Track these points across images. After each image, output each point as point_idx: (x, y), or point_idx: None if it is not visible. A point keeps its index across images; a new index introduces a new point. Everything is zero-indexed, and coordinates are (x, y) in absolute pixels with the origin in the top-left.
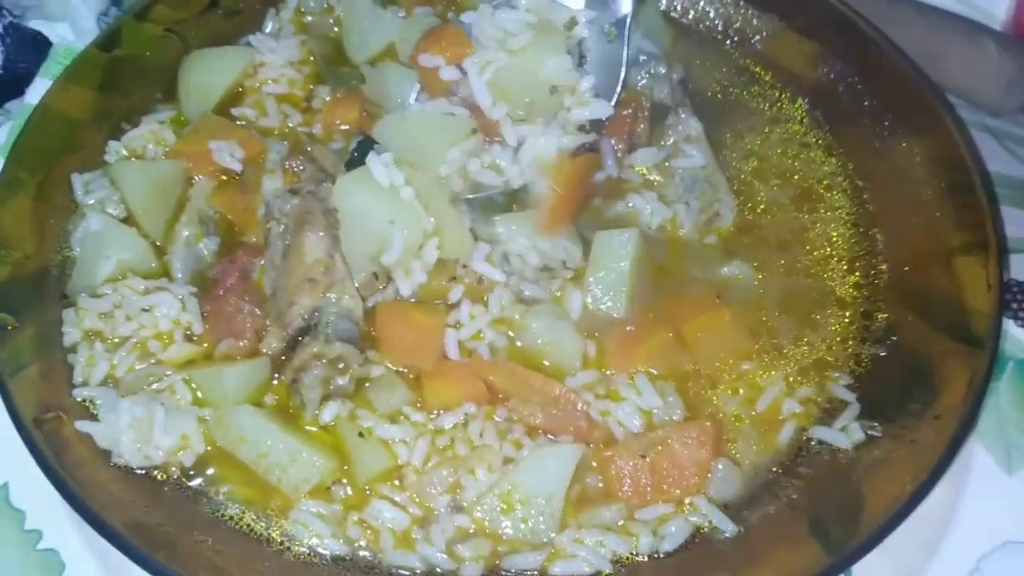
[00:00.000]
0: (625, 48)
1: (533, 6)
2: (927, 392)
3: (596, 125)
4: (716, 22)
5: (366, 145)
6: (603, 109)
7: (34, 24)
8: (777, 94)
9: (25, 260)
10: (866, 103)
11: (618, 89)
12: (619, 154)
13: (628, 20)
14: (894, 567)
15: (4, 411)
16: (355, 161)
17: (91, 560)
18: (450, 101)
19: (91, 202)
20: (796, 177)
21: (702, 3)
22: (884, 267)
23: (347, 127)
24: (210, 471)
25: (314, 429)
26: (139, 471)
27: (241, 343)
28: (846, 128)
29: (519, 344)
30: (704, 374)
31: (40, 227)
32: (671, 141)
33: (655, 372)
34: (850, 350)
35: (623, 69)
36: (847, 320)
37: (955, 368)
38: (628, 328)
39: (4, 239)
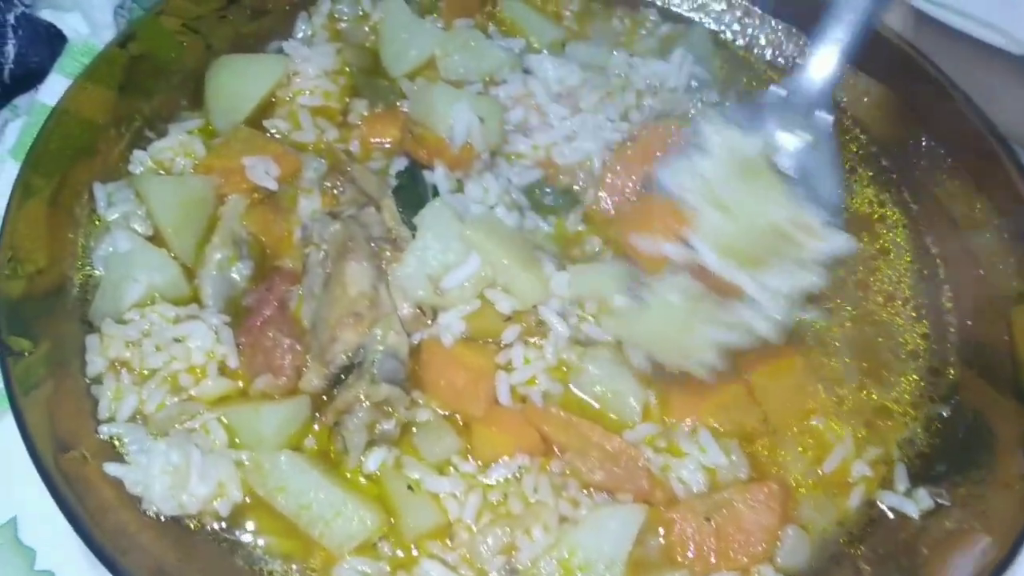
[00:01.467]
0: (835, 158)
1: (726, 143)
2: (991, 457)
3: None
4: (767, 50)
5: (414, 172)
6: (844, 242)
7: (45, 14)
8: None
9: (39, 275)
10: (924, 144)
11: (841, 204)
12: None
13: (830, 127)
14: None
15: (11, 438)
16: (403, 188)
17: None
18: (671, 271)
19: (115, 216)
20: (855, 217)
21: (751, 30)
22: (951, 318)
23: (387, 144)
24: (247, 521)
25: (358, 472)
26: (170, 519)
27: (280, 381)
28: (904, 168)
29: (573, 388)
30: (771, 429)
31: (56, 238)
32: None
33: (719, 427)
34: (918, 408)
35: (838, 178)
36: (915, 375)
37: (1017, 432)
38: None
39: (17, 249)
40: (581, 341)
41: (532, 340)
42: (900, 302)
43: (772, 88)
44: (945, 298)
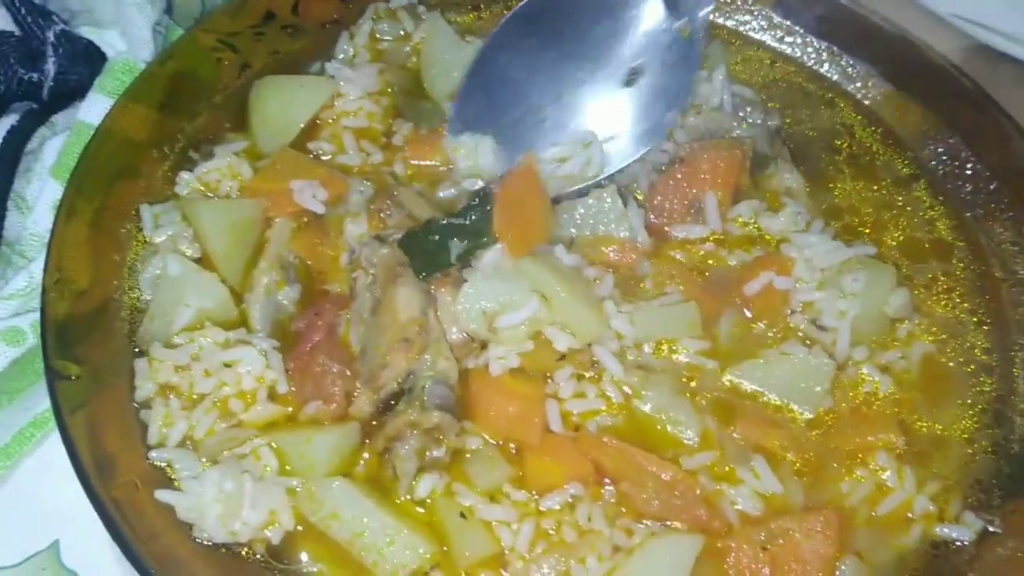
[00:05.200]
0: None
1: None
2: None
3: None
4: (814, 67)
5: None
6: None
7: (84, 31)
8: (878, 149)
9: (84, 295)
10: (969, 169)
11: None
12: (722, 207)
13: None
14: None
15: (51, 461)
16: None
17: None
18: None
19: (162, 239)
20: (898, 236)
21: (796, 50)
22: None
23: (430, 165)
24: (299, 549)
25: (408, 498)
26: (221, 546)
27: (330, 407)
28: (950, 192)
29: (635, 408)
30: (834, 457)
31: (100, 259)
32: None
33: (789, 456)
34: (974, 436)
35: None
36: (980, 407)
37: None
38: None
39: (63, 270)
40: (642, 366)
41: (585, 375)
42: (962, 326)
43: None
44: (1009, 320)
